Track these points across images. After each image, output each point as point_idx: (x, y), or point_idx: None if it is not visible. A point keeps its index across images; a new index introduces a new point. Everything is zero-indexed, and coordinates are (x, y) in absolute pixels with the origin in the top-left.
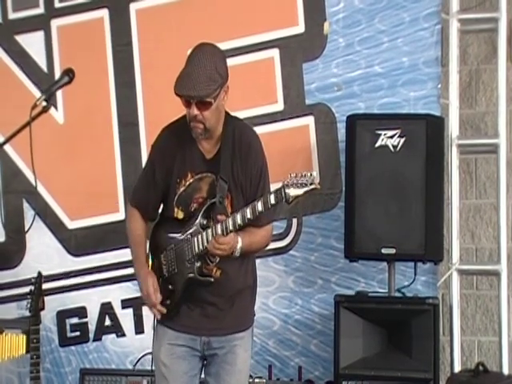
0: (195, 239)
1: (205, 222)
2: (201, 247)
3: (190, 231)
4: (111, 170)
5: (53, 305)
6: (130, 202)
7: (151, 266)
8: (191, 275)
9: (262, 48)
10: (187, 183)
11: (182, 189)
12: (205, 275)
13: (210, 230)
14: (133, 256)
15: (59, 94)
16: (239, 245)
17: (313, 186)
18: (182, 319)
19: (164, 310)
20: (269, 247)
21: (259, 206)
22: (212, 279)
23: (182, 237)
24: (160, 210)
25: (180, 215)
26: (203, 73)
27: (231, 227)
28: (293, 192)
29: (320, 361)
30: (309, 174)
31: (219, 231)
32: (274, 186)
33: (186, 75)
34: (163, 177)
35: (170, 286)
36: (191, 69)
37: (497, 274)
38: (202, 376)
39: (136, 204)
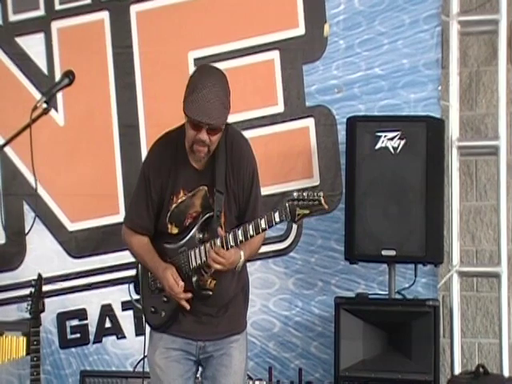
0: (191, 253)
1: (201, 236)
2: (198, 261)
3: (186, 245)
4: (111, 172)
5: (53, 307)
6: (128, 226)
7: (142, 281)
8: (189, 289)
9: (262, 50)
10: (179, 200)
11: (173, 205)
12: (202, 289)
13: (208, 244)
14: (147, 264)
15: (59, 95)
16: (242, 260)
17: (321, 208)
18: (177, 325)
19: (189, 295)
20: (269, 249)
21: (262, 224)
22: (211, 293)
23: (178, 249)
24: None
25: (174, 230)
26: (218, 100)
27: (232, 243)
28: (299, 211)
29: (320, 363)
30: (316, 196)
31: (219, 244)
32: (273, 188)
33: (200, 100)
34: (158, 193)
35: (164, 298)
36: (205, 94)
37: (497, 275)
38: (199, 379)
39: (136, 228)
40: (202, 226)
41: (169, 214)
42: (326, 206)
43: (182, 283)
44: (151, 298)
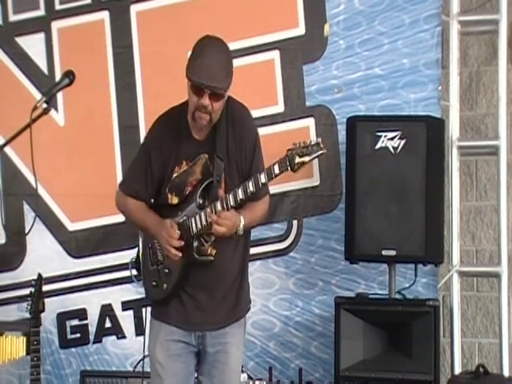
0: (192, 219)
1: (201, 202)
2: (199, 226)
3: (187, 213)
4: (111, 172)
5: (53, 307)
6: (124, 191)
7: (142, 253)
8: (190, 256)
9: (262, 50)
10: (181, 170)
11: (174, 175)
12: (203, 255)
13: (208, 209)
14: (144, 221)
15: (60, 96)
16: (242, 223)
17: (320, 152)
18: (176, 314)
19: (182, 243)
20: (269, 249)
21: (262, 178)
22: (211, 258)
23: (179, 219)
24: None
25: (175, 200)
26: (222, 66)
27: (232, 202)
28: (298, 159)
29: (320, 363)
30: (314, 141)
31: (219, 207)
32: (273, 188)
33: (205, 65)
34: (159, 168)
35: (166, 270)
36: (209, 60)
37: (497, 275)
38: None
39: (131, 193)
40: (202, 193)
41: (169, 185)
42: (325, 150)
43: (178, 232)
44: (152, 273)
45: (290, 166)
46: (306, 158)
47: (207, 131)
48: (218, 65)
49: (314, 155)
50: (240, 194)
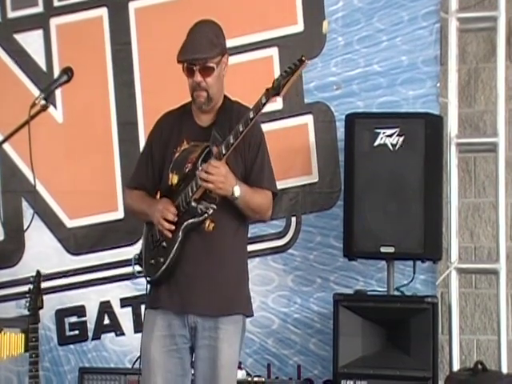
0: (189, 187)
1: (201, 168)
2: (194, 189)
3: (184, 188)
4: (110, 168)
5: (52, 303)
6: (128, 185)
7: (145, 244)
8: (186, 222)
9: (261, 47)
10: (182, 148)
11: (176, 155)
12: (200, 215)
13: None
14: (143, 206)
15: (58, 92)
16: (238, 186)
17: (304, 65)
18: (169, 297)
19: (176, 218)
20: (267, 246)
21: (251, 114)
22: (208, 212)
23: (177, 198)
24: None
25: (175, 180)
26: (205, 38)
27: (224, 150)
28: (283, 81)
29: (319, 359)
30: (296, 60)
31: (212, 159)
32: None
33: (188, 43)
34: (160, 151)
35: (164, 244)
36: (192, 37)
37: (496, 272)
38: None
39: (134, 185)
40: (202, 162)
41: (171, 165)
42: (308, 61)
43: (174, 209)
44: (151, 253)
45: (275, 89)
46: (291, 75)
47: (211, 119)
48: (201, 38)
49: (299, 69)
50: (231, 139)
